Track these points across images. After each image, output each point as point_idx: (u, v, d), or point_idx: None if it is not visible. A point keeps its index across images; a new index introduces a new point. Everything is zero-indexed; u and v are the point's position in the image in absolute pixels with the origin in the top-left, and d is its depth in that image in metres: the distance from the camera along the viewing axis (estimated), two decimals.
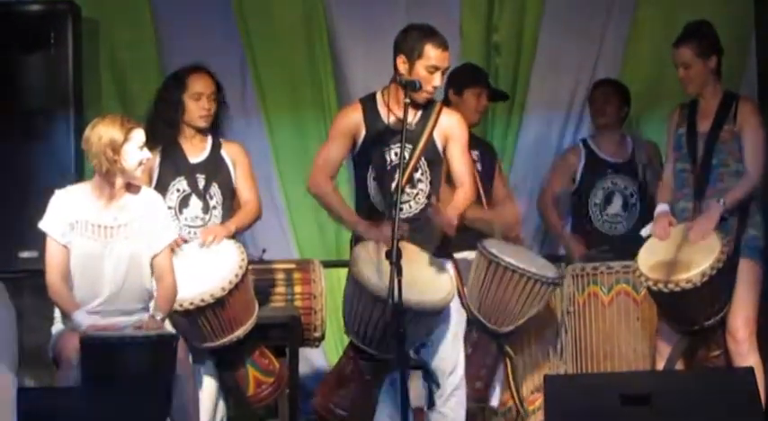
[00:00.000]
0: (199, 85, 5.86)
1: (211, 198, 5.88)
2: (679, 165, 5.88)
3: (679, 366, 5.79)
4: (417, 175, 5.53)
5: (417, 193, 5.54)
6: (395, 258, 4.89)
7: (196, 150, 5.91)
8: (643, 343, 6.19)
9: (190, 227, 5.83)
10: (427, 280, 5.36)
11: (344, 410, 5.53)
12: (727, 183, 5.75)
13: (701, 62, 5.78)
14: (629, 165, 6.74)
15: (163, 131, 5.79)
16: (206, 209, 5.86)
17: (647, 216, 6.45)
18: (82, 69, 6.84)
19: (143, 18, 7.24)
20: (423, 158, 5.51)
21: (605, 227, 6.73)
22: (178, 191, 5.86)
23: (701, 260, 5.57)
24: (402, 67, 5.46)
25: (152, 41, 7.25)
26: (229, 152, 5.94)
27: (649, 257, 5.72)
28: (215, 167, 5.90)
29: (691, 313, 5.67)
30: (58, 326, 5.29)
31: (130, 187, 5.29)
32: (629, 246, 6.05)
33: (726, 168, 5.76)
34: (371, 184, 5.54)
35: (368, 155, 5.53)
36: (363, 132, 5.55)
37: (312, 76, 7.36)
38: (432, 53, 5.43)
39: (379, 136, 5.51)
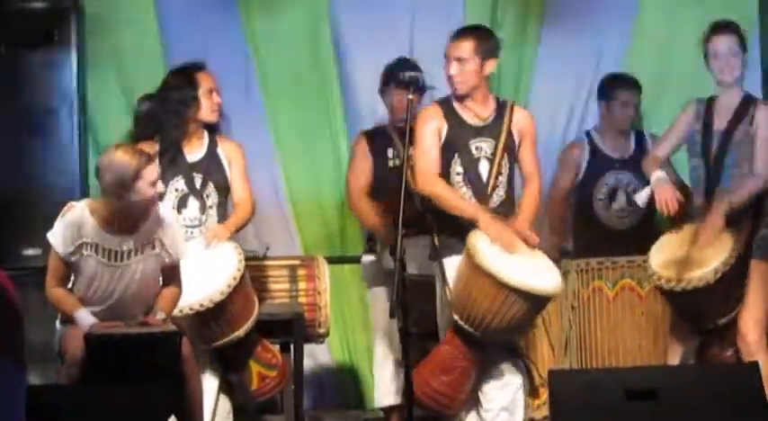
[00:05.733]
0: (209, 81, 5.91)
1: (208, 197, 5.88)
2: (692, 162, 5.86)
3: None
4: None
5: (497, 186, 5.73)
6: (399, 255, 4.91)
7: (193, 148, 5.92)
8: (648, 338, 6.19)
9: (188, 227, 5.82)
10: (539, 269, 5.59)
11: (444, 395, 5.61)
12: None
13: (741, 53, 5.79)
14: (632, 161, 6.72)
15: (171, 131, 5.80)
16: (203, 209, 5.86)
17: (652, 210, 6.45)
18: (85, 67, 6.83)
19: (147, 15, 7.22)
20: (505, 153, 5.73)
21: (612, 222, 6.71)
22: (176, 190, 5.85)
23: (714, 257, 5.55)
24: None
25: (156, 39, 7.23)
26: (225, 150, 5.95)
27: (661, 255, 5.71)
28: (211, 166, 5.91)
29: (704, 311, 5.65)
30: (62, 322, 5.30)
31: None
32: (635, 240, 6.04)
33: (738, 169, 5.72)
34: (456, 178, 5.70)
35: (452, 150, 5.70)
36: (446, 129, 5.71)
37: (316, 72, 7.35)
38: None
39: (461, 132, 5.71)
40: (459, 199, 5.67)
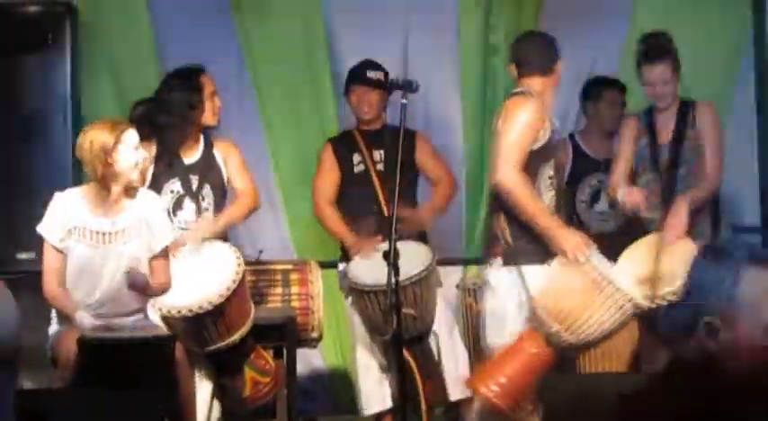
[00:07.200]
0: (211, 84, 5.91)
1: (203, 199, 5.88)
2: (645, 177, 5.88)
3: None
4: None
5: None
6: (392, 259, 4.92)
7: (190, 150, 5.91)
8: (640, 342, 6.18)
9: (183, 229, 5.82)
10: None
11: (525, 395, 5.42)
12: None
13: (676, 77, 5.80)
14: None
15: (172, 134, 5.79)
16: (199, 210, 5.86)
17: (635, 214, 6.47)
18: (79, 70, 6.83)
19: (141, 19, 7.22)
20: None
21: (594, 224, 6.73)
22: (172, 192, 5.86)
23: (681, 269, 5.56)
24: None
25: (150, 42, 7.23)
26: (220, 151, 5.96)
27: (628, 276, 5.68)
28: (208, 168, 5.91)
29: None
30: (55, 327, 5.30)
31: (128, 190, 5.28)
32: (619, 244, 6.02)
33: (693, 176, 5.77)
34: (546, 182, 5.54)
35: (548, 152, 5.52)
36: (548, 132, 5.51)
37: (310, 76, 7.35)
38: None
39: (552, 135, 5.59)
40: (535, 203, 5.37)
